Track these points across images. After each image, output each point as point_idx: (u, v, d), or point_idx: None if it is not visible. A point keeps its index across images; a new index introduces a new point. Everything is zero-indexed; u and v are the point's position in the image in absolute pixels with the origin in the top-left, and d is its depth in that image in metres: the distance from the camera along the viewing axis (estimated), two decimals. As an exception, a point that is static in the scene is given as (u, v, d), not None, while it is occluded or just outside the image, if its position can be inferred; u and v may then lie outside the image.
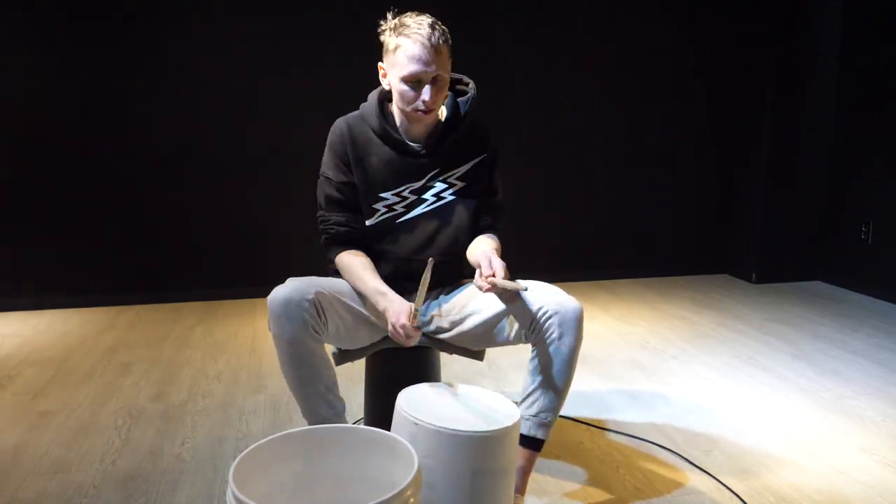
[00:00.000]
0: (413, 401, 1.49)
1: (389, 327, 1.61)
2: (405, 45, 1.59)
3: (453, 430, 1.38)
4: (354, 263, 1.73)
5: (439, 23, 1.63)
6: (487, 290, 1.55)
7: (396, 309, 1.60)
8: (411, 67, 1.59)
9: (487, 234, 1.81)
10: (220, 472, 1.99)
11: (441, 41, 1.60)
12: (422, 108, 1.63)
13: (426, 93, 1.61)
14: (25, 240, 3.62)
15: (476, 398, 1.55)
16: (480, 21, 3.92)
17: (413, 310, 1.57)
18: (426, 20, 1.61)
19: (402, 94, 1.64)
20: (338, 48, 3.77)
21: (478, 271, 1.57)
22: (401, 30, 1.61)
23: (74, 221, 3.66)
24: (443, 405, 1.49)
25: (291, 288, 1.58)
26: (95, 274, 3.73)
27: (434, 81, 1.61)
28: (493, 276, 1.54)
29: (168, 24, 3.61)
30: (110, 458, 2.08)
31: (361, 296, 1.73)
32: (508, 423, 1.43)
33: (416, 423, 1.40)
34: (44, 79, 3.52)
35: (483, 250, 1.63)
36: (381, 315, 1.67)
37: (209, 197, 3.79)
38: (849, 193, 4.07)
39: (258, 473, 1.24)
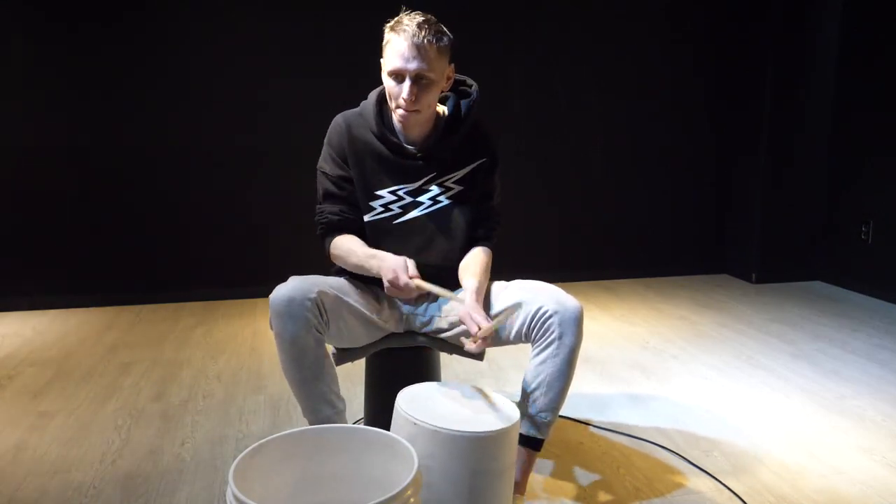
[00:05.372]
0: (412, 401, 1.49)
1: (386, 284, 1.60)
2: (393, 40, 1.60)
3: (452, 430, 1.37)
4: (344, 241, 1.74)
5: (437, 24, 1.61)
6: (480, 346, 1.52)
7: (390, 264, 1.60)
8: (394, 62, 1.60)
9: (480, 249, 1.79)
10: (220, 472, 1.99)
11: (426, 41, 1.57)
12: (402, 105, 1.63)
13: (405, 89, 1.60)
14: (25, 240, 3.62)
15: (476, 398, 1.55)
16: (480, 21, 3.92)
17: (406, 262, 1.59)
18: (419, 18, 1.60)
19: (388, 90, 1.66)
20: (340, 47, 3.77)
21: (466, 339, 1.56)
22: (394, 26, 1.62)
23: (74, 221, 3.66)
24: (442, 405, 1.49)
25: (294, 286, 1.57)
26: (95, 274, 3.73)
27: (416, 80, 1.60)
28: (479, 329, 1.50)
29: (168, 24, 3.61)
30: (110, 458, 2.08)
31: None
32: (508, 423, 1.43)
33: (416, 424, 1.39)
34: (43, 79, 3.52)
35: (466, 302, 1.58)
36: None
37: (209, 197, 3.79)
38: (849, 193, 4.07)
39: (258, 473, 1.24)
